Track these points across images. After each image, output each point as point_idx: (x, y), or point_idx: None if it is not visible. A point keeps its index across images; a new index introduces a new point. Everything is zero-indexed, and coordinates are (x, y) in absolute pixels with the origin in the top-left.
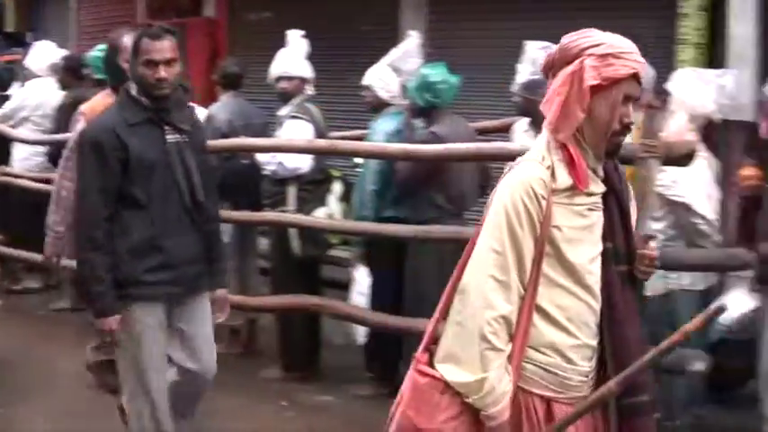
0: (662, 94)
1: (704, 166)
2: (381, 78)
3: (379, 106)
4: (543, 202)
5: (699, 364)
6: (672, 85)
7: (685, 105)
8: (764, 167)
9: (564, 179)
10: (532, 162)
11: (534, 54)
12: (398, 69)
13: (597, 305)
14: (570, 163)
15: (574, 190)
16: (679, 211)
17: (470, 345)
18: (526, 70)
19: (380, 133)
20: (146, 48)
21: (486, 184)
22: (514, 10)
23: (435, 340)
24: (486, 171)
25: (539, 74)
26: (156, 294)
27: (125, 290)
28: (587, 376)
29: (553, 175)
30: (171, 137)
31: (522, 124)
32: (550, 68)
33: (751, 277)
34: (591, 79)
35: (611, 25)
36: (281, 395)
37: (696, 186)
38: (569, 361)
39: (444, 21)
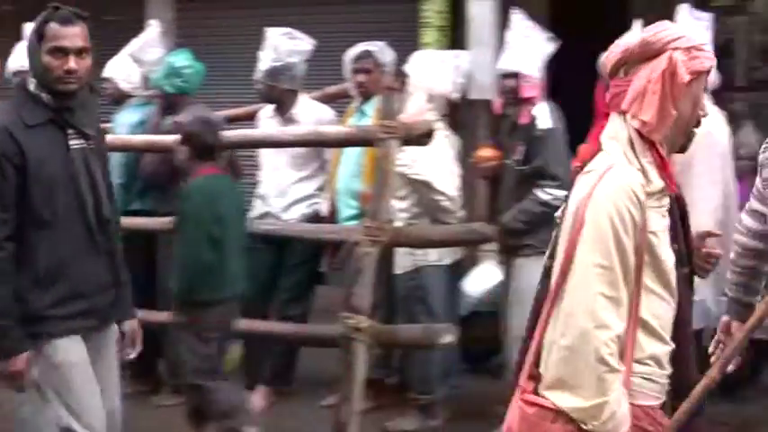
0: (401, 76)
1: (445, 144)
2: (122, 70)
3: (120, 98)
4: (643, 208)
5: (448, 337)
6: (409, 66)
7: (423, 86)
8: (502, 144)
9: (657, 182)
10: (624, 166)
11: (276, 41)
12: (140, 60)
13: (675, 307)
14: (661, 164)
15: (662, 192)
16: (421, 190)
17: (584, 368)
18: (268, 57)
19: (123, 125)
20: (53, 33)
21: (235, 175)
22: None
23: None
24: (235, 163)
25: (281, 60)
26: (71, 328)
27: (33, 327)
28: (669, 379)
29: (645, 177)
30: (75, 142)
31: (266, 111)
32: (623, 64)
33: (495, 250)
34: (686, 75)
35: (356, 10)
36: None
37: (436, 164)
38: (663, 367)
39: (191, 9)
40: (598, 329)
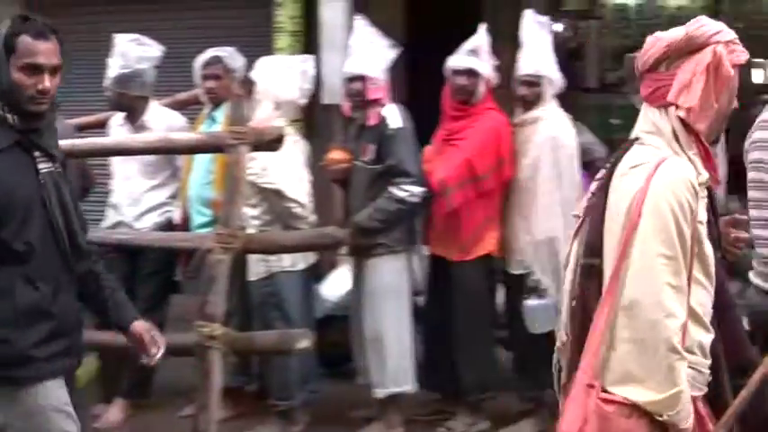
0: (248, 83)
1: (295, 150)
2: None
3: None
4: (698, 199)
5: (305, 342)
6: (256, 72)
7: (269, 92)
8: (351, 146)
9: (704, 173)
10: (677, 158)
11: (124, 47)
12: None
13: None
14: (705, 156)
15: (707, 183)
16: (271, 198)
17: (654, 359)
18: (117, 64)
19: None
20: (28, 48)
21: (88, 187)
22: (108, 2)
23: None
24: (87, 172)
25: (130, 67)
26: (54, 370)
27: (16, 371)
28: (727, 360)
29: (695, 168)
30: (44, 166)
31: (117, 119)
32: (665, 59)
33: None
34: (730, 68)
35: (206, 15)
36: None
37: (287, 171)
38: (707, 356)
39: (39, 15)
40: (668, 319)
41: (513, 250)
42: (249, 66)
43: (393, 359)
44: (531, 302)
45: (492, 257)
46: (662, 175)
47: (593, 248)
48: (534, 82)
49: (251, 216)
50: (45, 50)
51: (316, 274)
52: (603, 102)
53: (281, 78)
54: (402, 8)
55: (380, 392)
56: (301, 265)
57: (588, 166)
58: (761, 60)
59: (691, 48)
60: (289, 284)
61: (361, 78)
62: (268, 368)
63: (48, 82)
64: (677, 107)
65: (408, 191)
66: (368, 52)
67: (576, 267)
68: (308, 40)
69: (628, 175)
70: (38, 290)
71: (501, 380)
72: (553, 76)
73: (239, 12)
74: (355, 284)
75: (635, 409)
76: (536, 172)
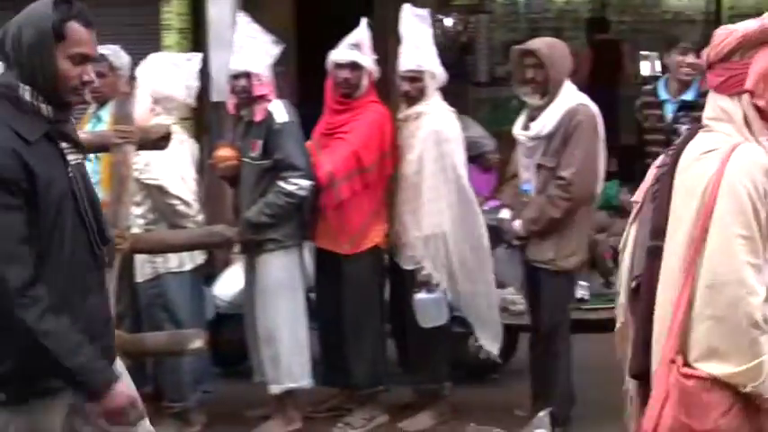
0: (135, 80)
1: (182, 148)
2: None
3: None
4: None
5: (197, 343)
6: (140, 70)
7: (150, 90)
8: (239, 143)
9: None
10: (750, 144)
11: None
12: None
13: None
14: None
15: None
16: (154, 194)
17: (737, 335)
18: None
19: None
20: (78, 36)
21: None
22: None
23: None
24: None
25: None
26: None
27: (29, 383)
28: None
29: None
30: (72, 157)
31: None
32: (739, 49)
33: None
34: None
35: (92, 13)
36: None
37: (170, 168)
38: (765, 333)
39: None
40: (751, 296)
41: (404, 245)
42: (136, 63)
43: (287, 355)
44: (421, 296)
45: (380, 250)
46: (737, 159)
47: (661, 231)
48: (416, 77)
49: (135, 215)
50: (92, 40)
51: (206, 273)
52: (494, 95)
53: (163, 75)
54: (292, 6)
55: (276, 388)
56: (189, 266)
57: (477, 159)
58: (647, 53)
59: (764, 38)
60: (175, 285)
61: (246, 75)
62: (161, 370)
63: (93, 73)
64: (752, 95)
65: (297, 184)
66: (252, 49)
67: (634, 251)
68: (196, 38)
69: (700, 160)
70: (63, 289)
71: (393, 373)
72: (435, 70)
73: (126, 9)
74: (247, 282)
75: (716, 382)
76: (421, 167)
